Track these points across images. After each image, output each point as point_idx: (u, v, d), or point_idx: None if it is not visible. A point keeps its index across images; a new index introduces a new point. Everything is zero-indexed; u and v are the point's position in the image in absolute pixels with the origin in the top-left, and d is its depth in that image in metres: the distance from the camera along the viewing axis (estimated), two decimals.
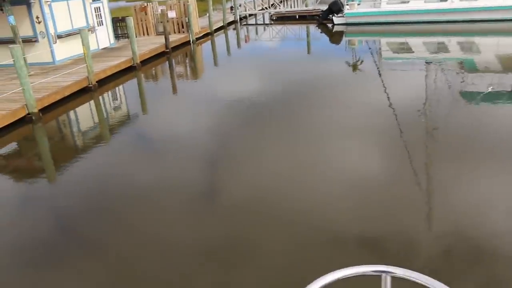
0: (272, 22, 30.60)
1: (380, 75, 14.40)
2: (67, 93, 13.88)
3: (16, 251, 6.60)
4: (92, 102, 14.41)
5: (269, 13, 32.26)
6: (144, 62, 18.26)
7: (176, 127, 11.13)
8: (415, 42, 20.80)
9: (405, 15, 23.34)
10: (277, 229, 6.35)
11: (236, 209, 7.01)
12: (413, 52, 18.94)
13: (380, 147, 8.83)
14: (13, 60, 12.16)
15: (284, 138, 9.64)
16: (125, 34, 23.49)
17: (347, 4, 25.35)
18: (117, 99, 15.17)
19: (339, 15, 25.55)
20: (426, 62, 15.83)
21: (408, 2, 23.51)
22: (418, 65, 15.67)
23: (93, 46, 17.68)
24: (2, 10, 16.78)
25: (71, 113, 13.75)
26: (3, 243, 6.82)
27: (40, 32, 17.63)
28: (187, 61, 20.59)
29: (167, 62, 19.59)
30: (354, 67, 16.08)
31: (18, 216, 7.74)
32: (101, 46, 20.38)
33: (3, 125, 11.56)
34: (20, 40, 16.44)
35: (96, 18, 20.12)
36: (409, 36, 21.98)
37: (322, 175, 7.86)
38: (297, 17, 29.91)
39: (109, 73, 16.04)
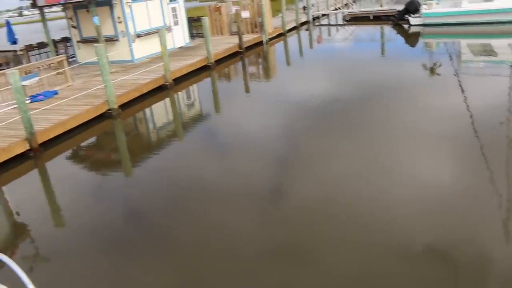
0: (345, 22, 30.16)
1: (459, 79, 13.77)
2: (144, 91, 14.50)
3: (91, 236, 7.04)
4: (167, 99, 14.94)
5: (342, 13, 31.82)
6: (218, 61, 18.65)
7: (248, 127, 11.28)
8: (499, 44, 19.64)
9: (488, 15, 22.01)
10: (344, 233, 6.25)
11: (303, 209, 6.99)
12: (496, 55, 17.91)
13: (456, 154, 8.44)
14: (97, 58, 12.85)
15: (355, 141, 9.48)
16: (200, 33, 24.12)
17: (425, 4, 24.39)
18: (191, 98, 15.62)
19: (416, 15, 24.65)
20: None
21: (492, 0, 22.16)
22: (502, 69, 14.80)
23: (169, 45, 18.30)
24: (88, 11, 17.80)
25: (148, 110, 14.33)
26: (80, 228, 7.28)
27: (121, 31, 18.50)
28: (260, 61, 20.79)
29: (240, 61, 19.87)
30: (431, 70, 15.48)
31: (95, 204, 8.22)
32: (177, 45, 21.04)
33: (87, 120, 12.27)
34: (103, 39, 17.38)
35: (173, 18, 20.79)
36: (493, 37, 20.79)
37: (394, 180, 7.64)
38: (371, 17, 29.27)
39: (184, 72, 16.55)
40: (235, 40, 21.31)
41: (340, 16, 32.47)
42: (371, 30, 26.81)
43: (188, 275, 5.86)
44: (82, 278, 6.09)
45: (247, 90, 15.72)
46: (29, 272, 6.36)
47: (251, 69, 19.31)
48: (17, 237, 7.63)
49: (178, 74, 16.15)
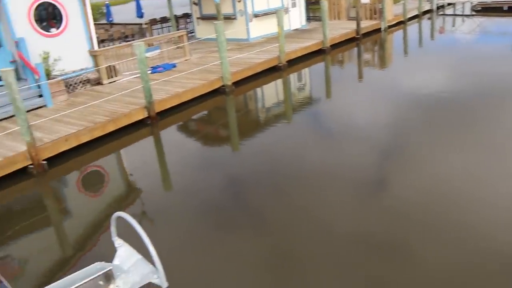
0: (474, 13, 27.89)
1: None
2: (258, 70, 14.61)
3: (194, 202, 7.29)
4: (279, 81, 14.92)
5: (471, 3, 29.46)
6: (334, 46, 18.22)
7: (357, 115, 10.88)
8: None
9: None
10: (438, 242, 5.75)
11: (400, 208, 6.56)
12: None
13: None
14: (216, 35, 13.14)
15: (471, 141, 8.69)
16: (316, 16, 23.73)
17: None
18: (303, 80, 15.47)
19: None
20: None
21: None
22: None
23: (285, 27, 18.21)
24: None
25: (259, 89, 14.44)
26: (185, 194, 7.55)
27: (239, 10, 18.77)
28: (376, 48, 19.97)
29: (356, 48, 19.26)
30: None
31: (200, 174, 8.47)
32: (293, 27, 20.91)
33: (201, 94, 12.66)
34: (222, 17, 17.78)
35: (291, 0, 20.65)
36: None
37: (503, 193, 6.87)
38: (506, 8, 26.71)
39: (299, 54, 16.39)
40: (352, 25, 20.67)
41: (468, 6, 30.11)
42: (504, 23, 24.51)
43: (277, 254, 5.82)
44: (181, 239, 6.33)
45: (360, 77, 15.18)
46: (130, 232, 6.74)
47: (366, 56, 18.62)
48: (129, 196, 8.10)
49: (292, 56, 16.04)
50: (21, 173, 8.72)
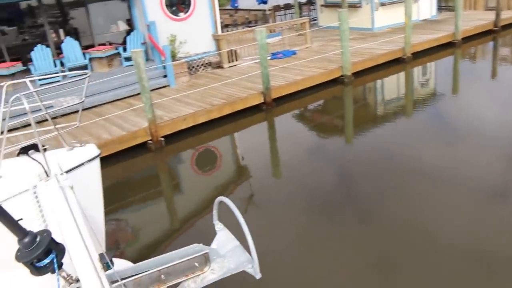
0: None
1: None
2: (380, 61, 13.92)
3: (301, 191, 7.13)
4: (402, 74, 14.09)
5: None
6: (465, 39, 16.73)
7: (486, 116, 9.80)
8: None
9: None
10: None
11: None
12: None
13: None
14: (339, 23, 12.74)
15: None
16: (449, 6, 22.04)
17: None
18: (428, 75, 14.44)
19: None
20: None
21: None
22: None
23: (413, 17, 17.12)
24: None
25: (380, 81, 13.78)
26: (292, 182, 7.40)
27: None
28: None
29: (492, 42, 17.52)
30: None
31: (310, 163, 8.27)
32: (421, 18, 19.61)
33: (319, 82, 12.40)
34: (347, 5, 17.24)
35: None
36: None
37: None
38: None
39: (426, 46, 15.30)
40: (490, 16, 18.81)
41: None
42: None
43: (377, 256, 5.43)
44: (281, 231, 6.20)
45: (494, 75, 13.76)
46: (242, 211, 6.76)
47: (504, 51, 16.84)
48: (238, 180, 8.19)
49: (419, 48, 15.00)
50: (141, 148, 9.26)
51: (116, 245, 6.25)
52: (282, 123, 10.98)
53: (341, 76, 12.77)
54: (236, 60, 14.52)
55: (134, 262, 3.00)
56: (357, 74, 13.10)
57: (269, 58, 13.48)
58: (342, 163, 8.44)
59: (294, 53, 15.19)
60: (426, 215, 6.18)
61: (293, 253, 5.72)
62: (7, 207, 4.03)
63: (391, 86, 13.56)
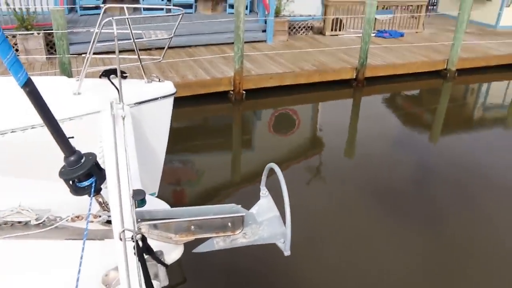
0: None
1: None
2: (492, 63, 12.76)
3: (369, 178, 6.79)
4: (510, 82, 12.87)
5: None
6: None
7: None
8: None
9: None
10: None
11: None
12: None
13: None
14: (459, 12, 11.79)
15: None
16: None
17: None
18: None
19: None
20: None
21: None
22: None
23: None
24: None
25: (485, 84, 12.73)
26: (362, 165, 7.11)
27: None
28: None
29: None
30: None
31: (388, 152, 7.93)
32: None
33: (419, 71, 11.68)
34: None
35: None
36: None
37: None
38: None
39: None
40: None
41: None
42: None
43: (434, 263, 5.06)
44: (338, 210, 6.01)
45: None
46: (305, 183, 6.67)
47: None
48: (309, 150, 8.04)
49: None
50: (222, 96, 9.34)
51: (169, 184, 6.42)
52: (369, 104, 10.55)
53: (444, 69, 11.91)
54: (340, 30, 14.03)
55: (173, 206, 3.01)
56: (463, 71, 12.15)
57: (373, 35, 12.90)
58: (421, 160, 7.96)
59: (401, 35, 14.38)
60: (500, 235, 5.70)
61: (344, 238, 5.55)
62: (77, 123, 4.23)
63: (498, 92, 12.45)
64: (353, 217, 5.99)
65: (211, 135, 8.44)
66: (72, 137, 2.48)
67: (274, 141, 8.45)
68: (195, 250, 2.95)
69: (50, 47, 10.11)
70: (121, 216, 2.10)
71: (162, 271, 2.49)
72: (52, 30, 7.87)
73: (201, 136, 8.35)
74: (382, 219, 5.99)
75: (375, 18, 12.34)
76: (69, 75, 7.72)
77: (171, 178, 6.59)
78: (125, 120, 3.24)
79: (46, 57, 9.80)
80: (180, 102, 4.78)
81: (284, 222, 3.01)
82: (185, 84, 8.46)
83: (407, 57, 11.88)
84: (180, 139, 7.74)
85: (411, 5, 16.09)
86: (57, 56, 7.97)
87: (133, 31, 4.50)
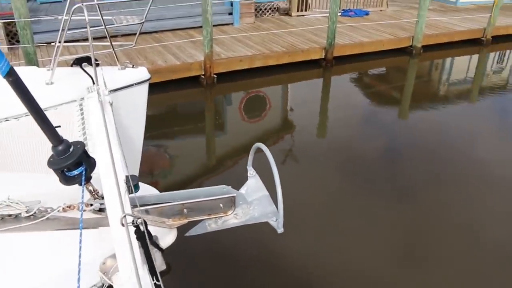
0: None
1: None
2: (455, 39, 13.08)
3: (343, 155, 6.91)
4: (475, 56, 13.24)
5: None
6: None
7: None
8: None
9: None
10: None
11: None
12: None
13: None
14: None
15: None
16: None
17: None
18: (505, 62, 13.49)
19: None
20: None
21: None
22: None
23: None
24: None
25: (449, 60, 13.05)
26: (335, 145, 7.22)
27: None
28: None
29: None
30: None
31: (358, 130, 8.03)
32: None
33: (384, 49, 11.85)
34: None
35: None
36: None
37: None
38: None
39: (510, 31, 14.24)
40: None
41: None
42: None
43: (409, 236, 5.24)
44: (314, 191, 6.11)
45: None
46: (280, 164, 6.70)
47: None
48: (281, 131, 8.09)
49: (502, 32, 13.92)
50: (193, 81, 9.25)
51: (147, 171, 6.38)
52: (338, 83, 10.66)
53: (410, 46, 12.14)
54: (306, 10, 14.06)
55: (160, 191, 3.00)
56: (428, 47, 12.41)
57: (339, 14, 12.96)
58: (391, 136, 8.15)
59: (366, 13, 14.52)
60: (469, 207, 5.92)
61: (320, 216, 5.65)
62: (52, 114, 4.12)
63: (461, 67, 12.78)
64: (327, 195, 6.10)
65: (185, 120, 8.38)
66: (59, 126, 2.43)
67: (247, 124, 8.47)
68: (187, 234, 2.96)
69: (11, 37, 9.75)
70: (121, 201, 2.08)
71: (158, 256, 2.49)
72: (12, 19, 7.60)
73: (175, 122, 8.28)
74: (354, 196, 6.12)
75: None
76: (36, 65, 7.48)
77: (149, 165, 6.53)
78: (105, 105, 3.19)
79: (8, 47, 9.46)
80: (151, 88, 4.72)
81: (274, 201, 3.05)
82: (155, 70, 8.32)
83: (373, 35, 12.03)
84: (154, 126, 7.65)
85: None
86: (20, 46, 7.70)
87: (103, 17, 4.39)
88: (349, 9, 14.58)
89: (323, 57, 10.80)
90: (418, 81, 11.46)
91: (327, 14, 11.18)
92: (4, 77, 2.11)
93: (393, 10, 15.49)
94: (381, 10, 15.30)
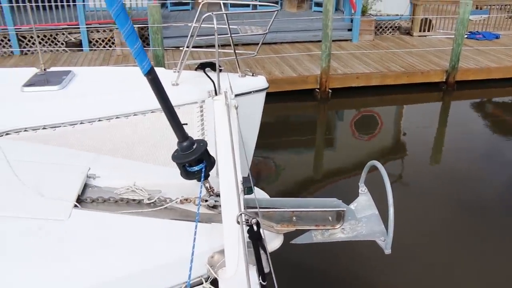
0: None
1: None
2: None
3: (452, 191, 6.45)
4: None
5: None
6: None
7: None
8: None
9: None
10: None
11: None
12: None
13: None
14: None
15: None
16: None
17: None
18: None
19: None
20: None
21: None
22: None
23: None
24: None
25: None
26: (447, 171, 6.77)
27: None
28: None
29: None
30: None
31: (474, 164, 7.47)
32: None
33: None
34: None
35: None
36: None
37: None
38: None
39: None
40: None
41: None
42: None
43: None
44: (424, 216, 5.81)
45: None
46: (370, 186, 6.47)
47: None
48: (392, 154, 7.82)
49: None
50: (307, 94, 9.31)
51: (254, 176, 6.51)
52: (458, 109, 10.05)
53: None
54: (428, 31, 13.50)
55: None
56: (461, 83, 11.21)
57: (465, 36, 12.25)
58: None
59: (497, 36, 13.56)
60: None
61: (428, 246, 5.33)
62: (177, 112, 4.41)
63: None
64: (437, 225, 5.74)
65: (296, 131, 8.46)
66: (186, 124, 2.58)
67: (357, 141, 8.31)
68: (293, 242, 2.96)
69: (143, 41, 10.60)
70: (238, 201, 2.15)
71: (264, 258, 2.52)
72: (145, 24, 8.24)
73: (286, 132, 8.41)
74: (468, 231, 5.68)
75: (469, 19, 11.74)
76: (163, 67, 8.05)
77: (256, 170, 6.68)
78: (231, 108, 3.33)
79: None
80: (267, 97, 4.85)
81: (384, 221, 2.95)
82: (271, 80, 8.49)
83: (503, 60, 11.18)
84: (266, 133, 7.80)
85: (509, 5, 15.15)
86: (150, 48, 8.34)
87: (229, 26, 4.62)
88: (477, 31, 13.73)
89: (443, 80, 10.26)
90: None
91: (452, 36, 10.64)
92: (145, 75, 2.30)
93: None
94: None
